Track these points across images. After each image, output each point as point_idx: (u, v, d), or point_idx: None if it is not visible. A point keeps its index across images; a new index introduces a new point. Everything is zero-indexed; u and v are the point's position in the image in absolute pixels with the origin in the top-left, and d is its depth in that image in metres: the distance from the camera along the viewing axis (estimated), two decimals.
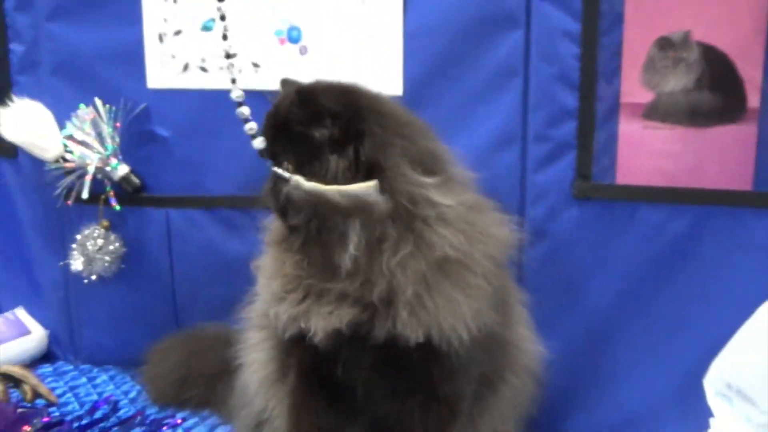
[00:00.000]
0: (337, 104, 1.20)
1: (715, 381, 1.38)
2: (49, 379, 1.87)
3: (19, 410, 1.62)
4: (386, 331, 1.17)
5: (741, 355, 1.34)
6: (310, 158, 1.20)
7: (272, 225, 1.33)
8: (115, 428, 1.67)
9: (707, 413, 1.39)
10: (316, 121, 1.20)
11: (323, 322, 1.20)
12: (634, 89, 1.44)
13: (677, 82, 1.42)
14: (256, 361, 1.39)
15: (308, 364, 1.28)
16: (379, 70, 1.61)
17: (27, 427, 1.56)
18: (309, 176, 1.19)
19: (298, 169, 1.21)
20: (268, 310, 1.27)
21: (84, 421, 1.68)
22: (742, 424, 1.34)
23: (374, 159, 1.18)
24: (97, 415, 1.72)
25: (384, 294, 1.17)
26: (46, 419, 1.65)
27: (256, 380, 1.39)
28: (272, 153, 1.27)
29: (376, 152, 1.18)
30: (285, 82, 1.36)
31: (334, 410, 1.29)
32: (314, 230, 1.21)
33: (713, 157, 1.43)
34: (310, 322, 1.21)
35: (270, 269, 1.29)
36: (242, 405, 1.45)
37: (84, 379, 1.89)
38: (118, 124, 1.77)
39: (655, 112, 1.44)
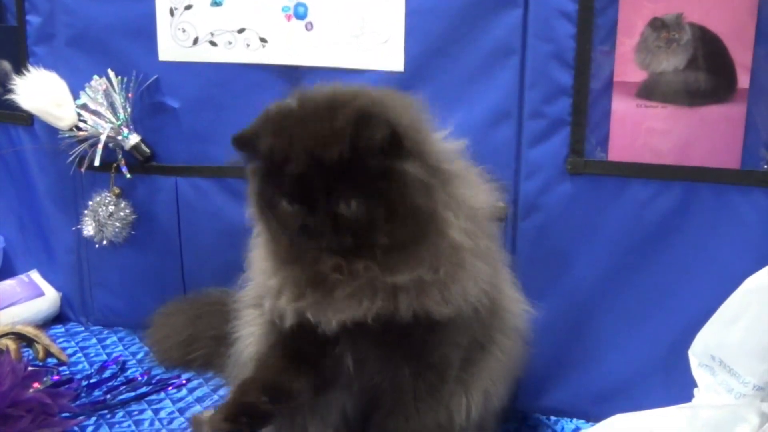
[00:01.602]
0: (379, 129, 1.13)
1: (699, 352, 1.42)
2: (61, 339, 1.95)
3: (30, 368, 1.68)
4: (412, 312, 1.19)
5: (724, 329, 1.39)
6: (381, 180, 1.14)
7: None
8: (123, 387, 1.73)
9: (691, 384, 1.44)
10: (394, 150, 1.14)
11: (341, 314, 1.19)
12: (627, 69, 1.47)
13: (670, 62, 1.45)
14: (251, 335, 1.41)
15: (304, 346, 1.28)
16: (381, 46, 1.65)
17: (37, 385, 1.62)
18: (378, 200, 1.14)
19: (366, 199, 1.14)
20: (264, 301, 1.28)
21: (93, 380, 1.75)
22: (724, 394, 1.38)
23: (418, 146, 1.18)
24: (106, 374, 1.79)
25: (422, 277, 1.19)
26: (56, 377, 1.72)
27: (250, 353, 1.40)
28: (327, 191, 1.14)
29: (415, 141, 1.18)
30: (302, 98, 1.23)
31: (323, 383, 1.30)
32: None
33: (703, 136, 1.46)
34: (321, 314, 1.20)
35: (269, 263, 1.28)
36: (236, 376, 1.46)
37: (94, 340, 1.96)
38: (130, 95, 1.83)
39: (647, 91, 1.47)
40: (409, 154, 1.16)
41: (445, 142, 1.28)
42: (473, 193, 1.28)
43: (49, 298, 2.04)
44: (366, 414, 1.34)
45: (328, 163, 1.12)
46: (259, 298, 1.34)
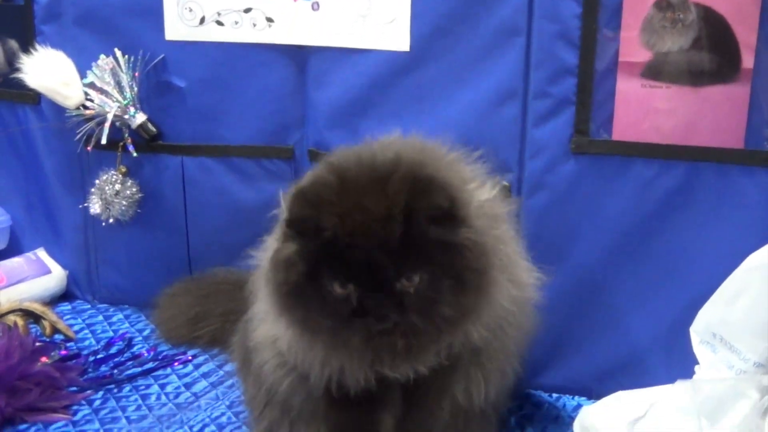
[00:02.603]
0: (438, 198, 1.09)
1: (700, 330, 1.44)
2: (68, 316, 1.96)
3: (38, 344, 1.70)
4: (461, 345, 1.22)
5: (725, 306, 1.39)
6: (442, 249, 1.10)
7: None
8: (129, 363, 1.75)
9: (693, 361, 1.45)
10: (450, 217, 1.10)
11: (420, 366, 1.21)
12: (632, 49, 1.48)
13: (674, 42, 1.46)
14: (280, 365, 1.34)
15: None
16: (387, 26, 1.66)
17: (45, 359, 1.64)
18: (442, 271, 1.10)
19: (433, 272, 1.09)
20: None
21: (99, 356, 1.77)
22: (725, 371, 1.40)
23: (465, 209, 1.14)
24: (112, 350, 1.81)
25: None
26: (63, 352, 1.74)
27: (277, 381, 1.36)
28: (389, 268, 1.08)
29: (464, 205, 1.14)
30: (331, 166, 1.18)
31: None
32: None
33: (707, 116, 1.47)
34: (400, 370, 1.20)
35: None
36: (252, 376, 1.46)
37: (100, 318, 1.97)
38: (136, 74, 1.84)
39: (652, 71, 1.48)
40: (461, 222, 1.12)
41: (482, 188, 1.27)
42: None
43: (56, 275, 2.05)
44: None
45: (390, 241, 1.06)
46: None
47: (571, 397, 1.64)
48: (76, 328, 1.90)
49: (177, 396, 1.64)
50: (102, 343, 1.84)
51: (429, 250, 1.08)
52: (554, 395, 1.65)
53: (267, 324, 1.32)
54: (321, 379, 1.24)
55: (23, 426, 1.52)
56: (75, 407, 1.58)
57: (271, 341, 1.33)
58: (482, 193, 1.25)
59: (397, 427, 1.32)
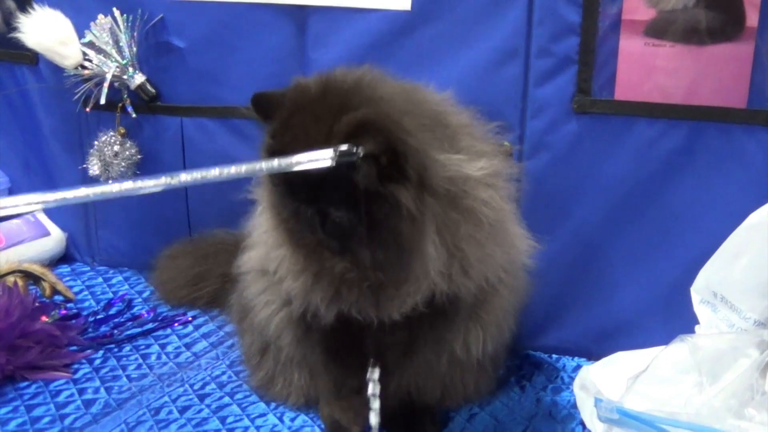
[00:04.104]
0: (375, 148, 1.09)
1: (701, 289, 1.44)
2: (67, 278, 1.96)
3: (38, 304, 1.70)
4: (443, 295, 1.23)
5: (726, 265, 1.40)
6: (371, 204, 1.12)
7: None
8: (129, 323, 1.75)
9: (691, 322, 1.45)
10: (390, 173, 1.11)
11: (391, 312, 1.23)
12: (636, 6, 1.46)
13: (678, 0, 1.45)
14: (266, 303, 1.41)
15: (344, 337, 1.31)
16: None
17: (45, 318, 1.64)
18: (361, 216, 1.13)
19: (352, 212, 1.13)
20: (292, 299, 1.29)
21: (99, 316, 1.77)
22: (725, 330, 1.40)
23: (419, 169, 1.13)
24: (112, 311, 1.81)
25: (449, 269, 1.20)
26: (63, 312, 1.74)
27: (268, 318, 1.41)
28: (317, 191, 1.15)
29: (418, 164, 1.13)
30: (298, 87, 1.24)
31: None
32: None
33: (710, 75, 1.46)
34: (368, 312, 1.23)
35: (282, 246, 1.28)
36: (251, 342, 1.51)
37: (100, 279, 1.97)
38: (135, 34, 1.82)
39: (655, 30, 1.47)
40: (405, 180, 1.12)
41: (463, 157, 1.23)
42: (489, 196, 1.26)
43: (55, 237, 2.05)
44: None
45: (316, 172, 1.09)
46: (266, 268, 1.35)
47: (571, 357, 1.65)
48: (75, 289, 1.90)
49: (177, 355, 1.65)
50: (101, 304, 1.84)
51: (354, 191, 1.11)
52: (554, 356, 1.66)
53: (254, 250, 1.38)
54: (300, 306, 1.28)
55: (24, 383, 1.53)
56: (75, 366, 1.59)
57: (258, 269, 1.38)
58: (467, 167, 1.21)
59: (396, 377, 1.34)
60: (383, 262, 1.17)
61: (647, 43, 1.48)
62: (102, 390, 1.52)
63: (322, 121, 1.13)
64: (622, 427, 1.14)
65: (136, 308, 1.83)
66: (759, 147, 1.46)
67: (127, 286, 1.94)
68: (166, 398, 1.49)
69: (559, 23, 1.51)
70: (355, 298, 1.21)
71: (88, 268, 2.04)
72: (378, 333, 1.28)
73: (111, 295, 1.90)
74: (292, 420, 1.43)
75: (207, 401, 1.49)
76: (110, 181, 1.90)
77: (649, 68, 1.49)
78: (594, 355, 1.60)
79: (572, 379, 1.55)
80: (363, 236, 1.14)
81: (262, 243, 1.37)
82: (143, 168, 1.92)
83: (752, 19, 1.42)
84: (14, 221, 2.04)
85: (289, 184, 1.17)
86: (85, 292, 1.91)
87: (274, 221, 1.27)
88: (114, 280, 1.97)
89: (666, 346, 1.28)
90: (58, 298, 1.82)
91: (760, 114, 1.45)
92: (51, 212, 2.08)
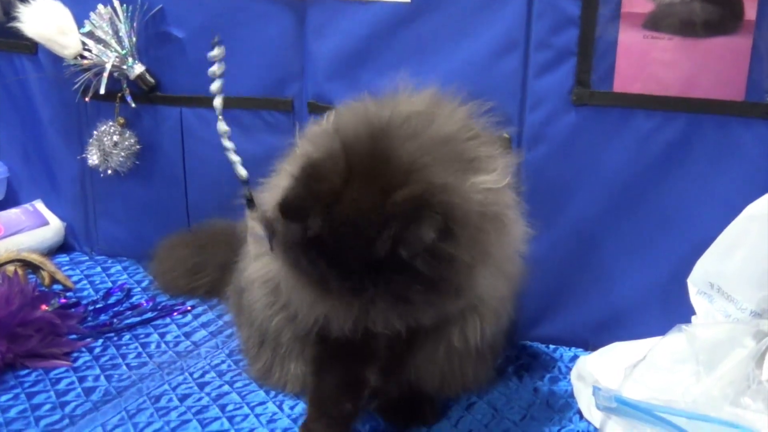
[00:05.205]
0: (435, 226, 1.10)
1: (697, 280, 1.45)
2: (66, 267, 1.97)
3: (37, 292, 1.71)
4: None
5: (723, 256, 1.41)
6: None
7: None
8: (128, 312, 1.76)
9: (688, 313, 1.46)
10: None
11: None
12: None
13: None
14: (267, 304, 1.41)
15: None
16: None
17: (45, 307, 1.64)
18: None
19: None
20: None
21: (98, 305, 1.78)
22: (720, 320, 1.41)
23: (463, 220, 1.14)
24: (111, 300, 1.82)
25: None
26: (62, 300, 1.75)
27: (269, 317, 1.42)
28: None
29: (462, 216, 1.14)
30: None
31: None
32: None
33: (708, 68, 1.47)
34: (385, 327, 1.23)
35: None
36: (246, 323, 1.52)
37: (99, 269, 1.98)
38: (134, 24, 1.83)
39: (654, 23, 1.48)
40: (458, 240, 1.14)
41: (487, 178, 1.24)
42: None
43: (54, 227, 2.05)
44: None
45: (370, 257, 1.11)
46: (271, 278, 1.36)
47: (568, 348, 1.66)
48: (74, 279, 1.91)
49: (177, 344, 1.65)
50: (101, 293, 1.85)
51: (405, 266, 1.11)
52: (551, 347, 1.67)
53: (259, 262, 1.37)
54: (308, 322, 1.28)
55: (24, 371, 1.53)
56: (75, 354, 1.60)
57: (262, 280, 1.38)
58: (485, 181, 1.21)
59: (394, 366, 1.34)
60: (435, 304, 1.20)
61: (646, 36, 1.49)
62: (102, 378, 1.52)
63: (374, 200, 1.12)
64: (620, 415, 1.15)
65: (135, 297, 1.84)
66: (756, 139, 1.47)
67: (126, 276, 1.95)
68: (166, 386, 1.50)
69: (559, 15, 1.52)
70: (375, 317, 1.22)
71: (87, 258, 2.04)
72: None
73: (110, 284, 1.90)
74: (292, 408, 1.44)
75: (207, 389, 1.49)
76: (109, 172, 1.91)
77: (648, 61, 1.50)
78: (591, 346, 1.61)
79: (569, 369, 1.56)
80: (416, 291, 1.15)
81: (268, 257, 1.35)
82: (143, 158, 1.93)
83: (750, 12, 1.43)
84: (13, 210, 2.05)
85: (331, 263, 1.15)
86: (84, 282, 1.91)
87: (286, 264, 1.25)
88: (113, 270, 1.98)
89: (664, 336, 1.29)
90: (57, 287, 1.83)
91: (758, 107, 1.46)
92: (50, 202, 2.08)
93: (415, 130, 1.19)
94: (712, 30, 1.46)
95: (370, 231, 1.10)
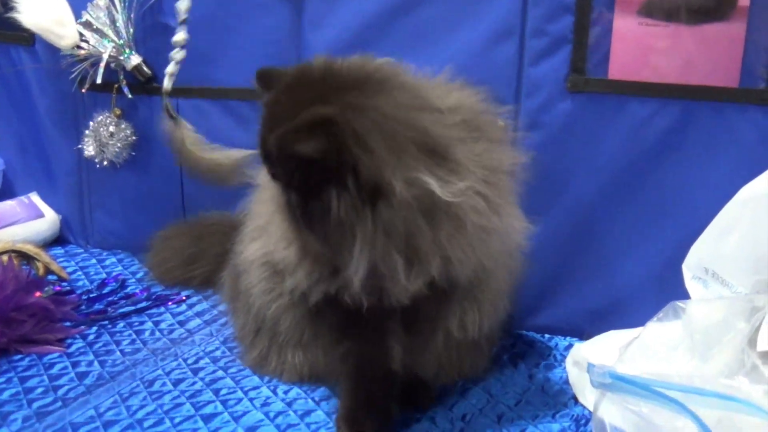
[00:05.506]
0: (319, 147, 1.09)
1: (692, 265, 1.44)
2: (61, 259, 1.96)
3: (31, 279, 1.70)
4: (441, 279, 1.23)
5: (718, 240, 1.40)
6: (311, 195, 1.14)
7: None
8: (123, 301, 1.76)
9: (686, 299, 1.46)
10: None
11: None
12: None
13: None
14: (265, 290, 1.41)
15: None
16: None
17: (39, 294, 1.64)
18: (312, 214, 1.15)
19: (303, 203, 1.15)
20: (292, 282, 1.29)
21: (93, 294, 1.78)
22: (715, 304, 1.40)
23: (368, 186, 1.11)
24: (105, 290, 1.81)
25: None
26: (57, 288, 1.74)
27: (267, 303, 1.41)
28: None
29: (367, 181, 1.11)
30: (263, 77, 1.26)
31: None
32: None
33: (703, 54, 1.47)
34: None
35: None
36: (244, 325, 1.51)
37: (93, 261, 1.98)
38: (132, 15, 1.83)
39: (649, 9, 1.48)
40: (342, 189, 1.11)
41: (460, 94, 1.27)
42: (491, 151, 1.26)
43: (49, 219, 2.05)
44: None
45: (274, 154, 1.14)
46: (272, 260, 1.35)
47: (563, 337, 1.65)
48: (68, 270, 1.91)
49: (171, 332, 1.65)
50: (95, 284, 1.84)
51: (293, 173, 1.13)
52: (546, 336, 1.66)
53: (258, 242, 1.37)
54: (307, 292, 1.27)
55: (18, 356, 1.53)
56: (69, 341, 1.59)
57: (260, 261, 1.37)
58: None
59: (397, 361, 1.34)
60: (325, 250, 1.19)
61: (641, 23, 1.49)
62: (96, 363, 1.52)
63: (298, 106, 1.13)
64: (614, 391, 1.14)
65: (129, 288, 1.83)
66: (751, 125, 1.47)
67: (120, 268, 1.95)
68: (159, 371, 1.49)
69: (554, 2, 1.52)
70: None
71: (82, 250, 2.04)
72: (380, 317, 1.28)
73: (104, 275, 1.90)
74: (286, 393, 1.44)
75: (200, 374, 1.49)
76: (105, 163, 1.91)
77: (643, 48, 1.50)
78: (586, 335, 1.59)
79: (564, 357, 1.56)
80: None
81: (266, 234, 1.36)
82: (139, 149, 1.93)
83: None
84: (8, 202, 2.05)
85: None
86: (79, 273, 1.91)
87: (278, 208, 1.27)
88: (107, 262, 1.98)
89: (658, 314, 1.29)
90: (51, 277, 1.82)
91: (752, 93, 1.46)
92: (45, 194, 2.08)
93: (383, 101, 1.16)
94: (706, 17, 1.46)
95: (279, 128, 1.11)
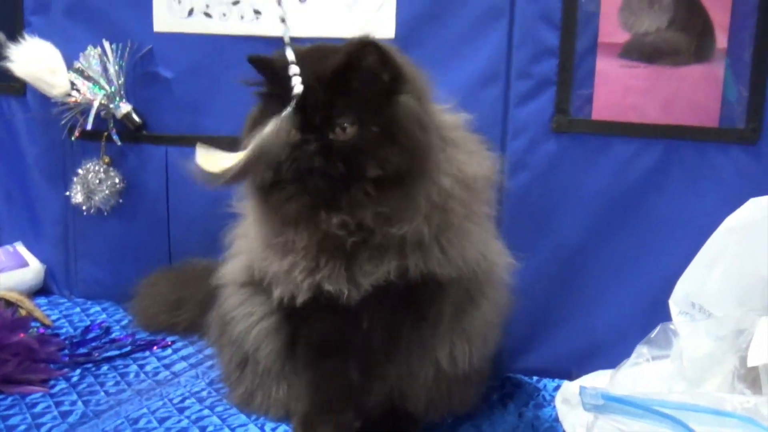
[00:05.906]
0: (379, 59, 1.22)
1: (679, 300, 1.45)
2: (44, 308, 1.94)
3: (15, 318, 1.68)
4: (419, 272, 1.26)
5: (703, 273, 1.41)
6: (379, 105, 1.21)
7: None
8: (107, 345, 1.73)
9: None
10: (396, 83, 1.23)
11: (364, 279, 1.25)
12: (612, 29, 1.53)
13: (651, 22, 1.51)
14: (248, 314, 1.43)
15: (325, 327, 1.33)
16: (373, 14, 1.70)
17: (23, 334, 1.61)
18: (373, 125, 1.20)
19: (362, 122, 1.20)
20: (271, 283, 1.32)
21: (77, 339, 1.75)
22: (703, 339, 1.41)
23: (420, 94, 1.26)
24: (90, 335, 1.79)
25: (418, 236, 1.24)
26: (41, 330, 1.72)
27: (247, 329, 1.43)
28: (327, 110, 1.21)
29: (419, 89, 1.27)
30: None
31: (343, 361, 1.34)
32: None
33: (683, 95, 1.52)
34: (343, 284, 1.25)
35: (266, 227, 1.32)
36: (227, 354, 1.51)
37: (78, 309, 1.96)
38: (123, 64, 1.86)
39: (630, 52, 1.53)
40: (411, 91, 1.24)
41: (445, 113, 1.36)
42: (469, 160, 1.32)
43: (33, 269, 2.04)
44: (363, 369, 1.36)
45: (327, 76, 1.20)
46: (251, 274, 1.38)
47: (552, 379, 1.64)
48: (52, 318, 1.89)
49: (156, 374, 1.63)
50: (79, 330, 1.82)
51: (366, 99, 1.20)
52: (534, 378, 1.65)
53: (237, 258, 1.43)
54: (282, 289, 1.30)
55: (0, 396, 1.50)
56: (52, 381, 1.57)
57: (241, 281, 1.43)
58: (441, 114, 1.34)
59: (379, 382, 1.34)
60: (396, 174, 1.20)
61: (623, 65, 1.54)
62: (79, 403, 1.49)
63: (332, 50, 1.25)
64: (607, 413, 1.14)
65: (114, 334, 1.81)
66: (731, 163, 1.51)
67: (105, 315, 1.93)
68: (144, 410, 1.47)
69: (538, 46, 1.57)
70: (332, 267, 1.24)
71: (66, 300, 2.02)
72: (357, 319, 1.30)
73: (89, 323, 1.87)
74: (273, 430, 1.41)
75: (186, 413, 1.46)
76: (92, 210, 1.91)
77: (625, 89, 1.54)
78: (575, 376, 1.59)
79: (553, 397, 1.55)
80: (376, 147, 1.19)
81: (242, 252, 1.42)
82: (126, 197, 1.93)
83: (722, 40, 1.49)
84: None
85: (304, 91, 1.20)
86: (63, 320, 1.89)
87: (260, 205, 1.31)
88: (92, 310, 1.96)
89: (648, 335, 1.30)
90: (35, 324, 1.80)
91: (732, 132, 1.50)
92: (30, 243, 2.07)
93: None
94: (686, 58, 1.51)
95: (326, 58, 1.23)
